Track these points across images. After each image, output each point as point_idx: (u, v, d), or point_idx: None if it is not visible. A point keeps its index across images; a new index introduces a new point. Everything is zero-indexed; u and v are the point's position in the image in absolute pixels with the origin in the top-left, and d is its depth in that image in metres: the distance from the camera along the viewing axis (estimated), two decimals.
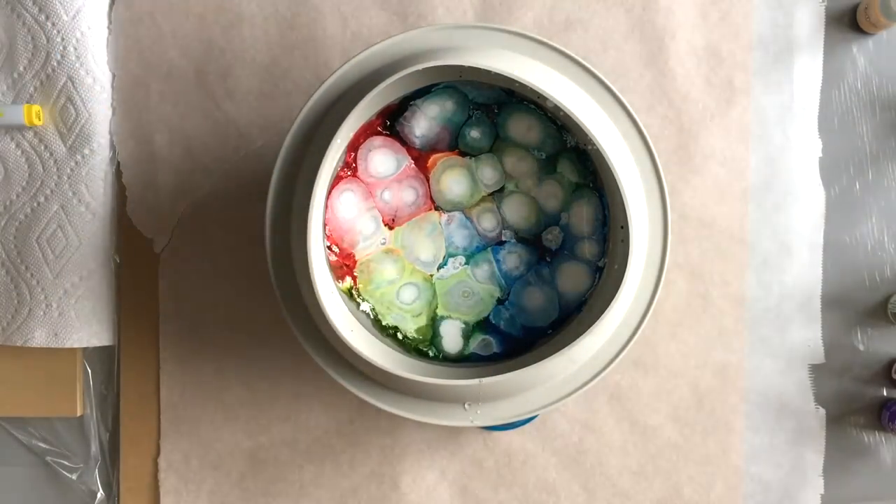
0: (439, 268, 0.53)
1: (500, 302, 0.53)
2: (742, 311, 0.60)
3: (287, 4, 0.60)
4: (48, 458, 0.62)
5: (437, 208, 0.54)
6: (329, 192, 0.52)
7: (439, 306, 0.53)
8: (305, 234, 0.48)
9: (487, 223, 0.53)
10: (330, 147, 0.48)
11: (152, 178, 0.61)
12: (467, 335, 0.54)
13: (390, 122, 0.53)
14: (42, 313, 0.60)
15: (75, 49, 0.59)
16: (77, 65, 0.59)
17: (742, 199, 0.60)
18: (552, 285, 0.54)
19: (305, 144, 0.51)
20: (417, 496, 0.61)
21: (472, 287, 0.53)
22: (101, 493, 0.62)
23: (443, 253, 0.53)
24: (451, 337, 0.54)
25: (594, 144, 0.48)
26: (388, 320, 0.53)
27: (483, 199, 0.53)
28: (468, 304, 0.53)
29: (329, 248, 0.52)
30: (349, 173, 0.53)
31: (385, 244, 0.53)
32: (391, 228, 0.53)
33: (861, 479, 0.61)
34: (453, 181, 0.53)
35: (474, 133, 0.53)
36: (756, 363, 0.60)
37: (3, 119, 0.58)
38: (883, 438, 0.61)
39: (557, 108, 0.48)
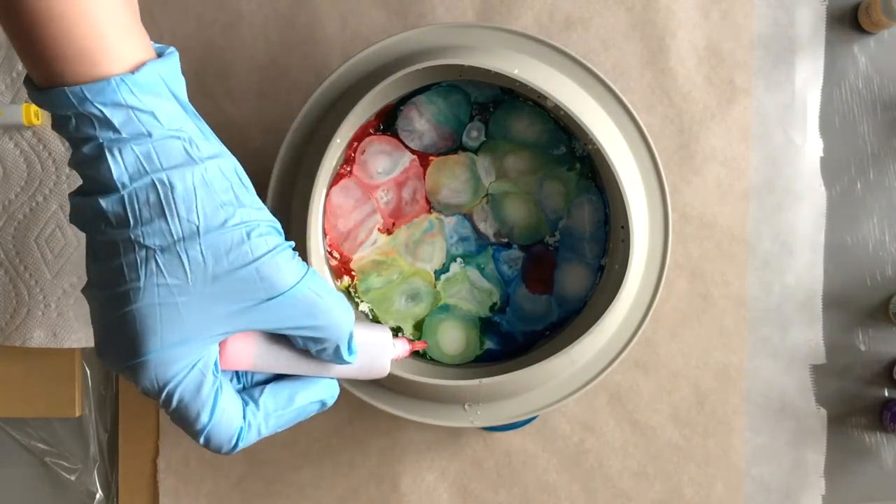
0: (441, 272, 0.53)
1: (500, 309, 0.53)
2: (743, 312, 0.60)
3: (287, 4, 0.60)
4: (47, 459, 0.62)
5: (436, 209, 0.53)
6: (328, 192, 0.52)
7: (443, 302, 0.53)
8: (304, 234, 0.48)
9: (487, 224, 0.53)
10: (329, 147, 0.48)
11: None
12: (476, 336, 0.53)
13: (390, 122, 0.53)
14: (41, 313, 0.59)
15: None
16: None
17: (743, 198, 0.60)
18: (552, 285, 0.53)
19: (305, 144, 0.51)
20: (417, 497, 0.60)
21: (473, 289, 0.53)
22: (99, 494, 0.62)
23: (443, 255, 0.53)
24: (452, 339, 0.54)
25: (594, 144, 0.48)
26: (390, 322, 0.53)
27: (482, 201, 0.53)
28: (469, 305, 0.53)
29: (329, 252, 0.52)
30: (349, 169, 0.52)
31: (381, 245, 0.53)
32: (390, 231, 0.53)
33: (862, 479, 0.61)
34: (450, 183, 0.53)
35: (474, 133, 0.53)
36: (757, 363, 0.60)
37: (1, 118, 0.58)
38: (884, 439, 0.61)
39: (557, 107, 0.48)
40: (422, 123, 0.53)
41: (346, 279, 0.53)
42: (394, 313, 0.53)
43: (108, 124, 0.33)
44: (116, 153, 0.33)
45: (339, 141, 0.49)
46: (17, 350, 0.60)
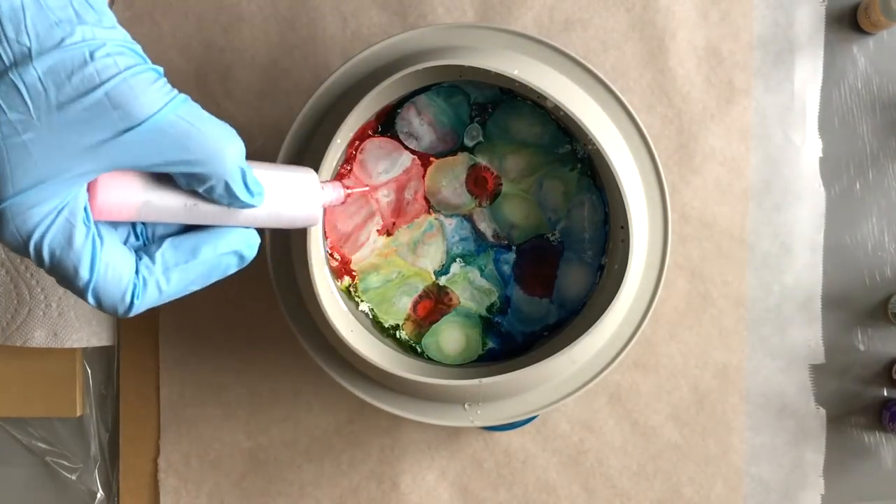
0: (441, 273, 0.53)
1: (499, 310, 0.53)
2: (742, 312, 0.60)
3: (287, 4, 0.60)
4: (48, 459, 0.62)
5: (436, 210, 0.53)
6: None
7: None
8: (305, 234, 0.48)
9: (487, 225, 0.53)
10: (329, 147, 0.48)
11: None
12: (478, 336, 0.53)
13: (389, 123, 0.53)
14: (42, 313, 0.60)
15: None
16: None
17: (742, 199, 0.60)
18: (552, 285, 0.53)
19: (305, 144, 0.51)
20: (417, 496, 0.61)
21: (473, 289, 0.53)
22: (100, 494, 0.62)
23: (443, 256, 0.53)
24: (452, 339, 0.54)
25: (594, 144, 0.48)
26: (389, 322, 0.53)
27: (482, 201, 0.53)
28: (469, 305, 0.53)
29: (330, 254, 0.52)
30: (349, 169, 0.52)
31: (381, 246, 0.53)
32: (390, 232, 0.53)
33: (861, 479, 0.61)
34: (450, 183, 0.53)
35: (474, 133, 0.53)
36: (756, 363, 0.60)
37: None
38: (883, 439, 0.61)
39: (557, 107, 0.48)
40: (422, 124, 0.53)
41: (347, 279, 0.53)
42: (394, 313, 0.53)
43: None
44: None
45: (339, 141, 0.49)
46: (17, 350, 0.60)
